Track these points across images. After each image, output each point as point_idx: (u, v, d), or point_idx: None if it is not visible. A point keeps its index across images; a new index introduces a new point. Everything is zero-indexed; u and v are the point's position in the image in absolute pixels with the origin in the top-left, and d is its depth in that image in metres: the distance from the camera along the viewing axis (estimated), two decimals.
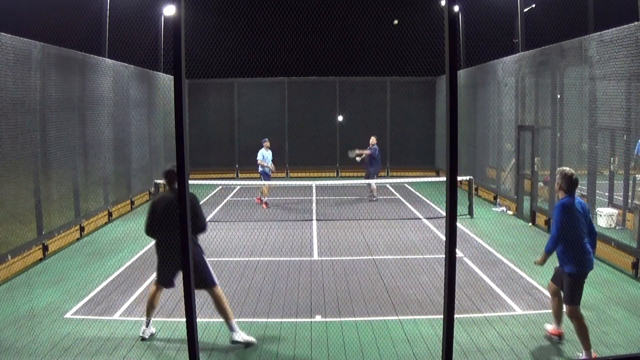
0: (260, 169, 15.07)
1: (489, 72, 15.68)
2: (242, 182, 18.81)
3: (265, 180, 15.04)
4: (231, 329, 6.27)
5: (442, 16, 3.46)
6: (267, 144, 15.08)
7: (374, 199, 16.00)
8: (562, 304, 6.14)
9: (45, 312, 7.24)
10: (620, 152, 9.43)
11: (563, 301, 6.04)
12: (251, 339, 6.28)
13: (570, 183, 5.91)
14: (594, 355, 5.77)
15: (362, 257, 9.88)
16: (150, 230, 6.48)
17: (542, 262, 6.14)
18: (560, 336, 6.23)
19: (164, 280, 6.42)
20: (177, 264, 6.05)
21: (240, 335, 6.25)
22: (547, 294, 7.76)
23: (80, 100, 11.90)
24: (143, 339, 6.39)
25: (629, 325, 6.66)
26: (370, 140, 16.12)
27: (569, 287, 5.90)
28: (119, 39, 15.75)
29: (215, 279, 6.36)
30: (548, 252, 5.99)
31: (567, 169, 6.07)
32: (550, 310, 7.15)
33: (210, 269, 6.37)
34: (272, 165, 15.07)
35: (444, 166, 3.46)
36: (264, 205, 15.04)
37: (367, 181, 16.13)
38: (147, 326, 6.46)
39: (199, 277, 6.09)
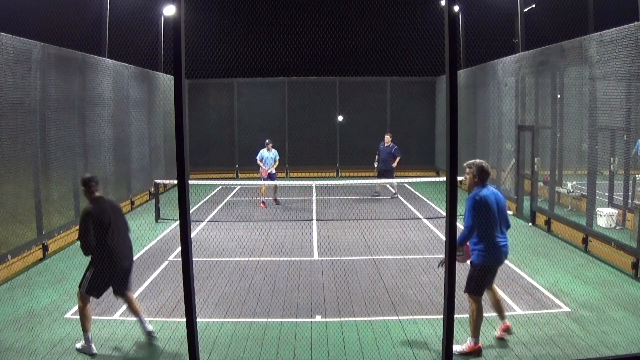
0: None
1: (489, 72, 15.68)
2: (242, 182, 18.81)
3: (267, 179, 15.00)
4: (142, 322, 6.35)
5: (442, 16, 3.46)
6: (269, 145, 15.04)
7: (396, 195, 16.38)
8: (497, 296, 6.29)
9: (45, 312, 7.24)
10: (620, 152, 9.43)
11: (464, 289, 6.06)
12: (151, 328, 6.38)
13: (482, 173, 6.04)
14: (478, 345, 5.95)
15: (362, 257, 9.88)
16: (87, 247, 6.11)
17: (462, 259, 6.06)
18: (508, 330, 6.22)
19: (96, 291, 6.21)
20: (112, 274, 6.18)
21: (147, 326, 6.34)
22: (547, 294, 7.79)
23: (80, 100, 11.90)
24: (80, 350, 6.05)
25: (629, 325, 6.66)
26: (386, 139, 16.22)
27: (470, 276, 6.05)
28: (119, 39, 15.75)
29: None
30: (459, 244, 5.89)
31: (479, 160, 6.19)
32: (547, 311, 7.17)
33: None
34: (269, 167, 14.94)
35: (444, 166, 3.46)
36: (262, 205, 15.05)
37: (390, 180, 16.15)
38: (87, 342, 6.05)
39: (126, 283, 6.35)
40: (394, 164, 16.09)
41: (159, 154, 17.77)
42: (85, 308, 6.14)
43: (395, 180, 16.15)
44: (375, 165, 16.34)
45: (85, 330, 6.07)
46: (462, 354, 5.96)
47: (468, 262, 6.12)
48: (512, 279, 8.52)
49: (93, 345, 6.07)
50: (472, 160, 6.22)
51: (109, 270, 6.16)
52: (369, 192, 16.83)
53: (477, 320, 5.98)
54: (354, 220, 13.20)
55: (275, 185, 15.39)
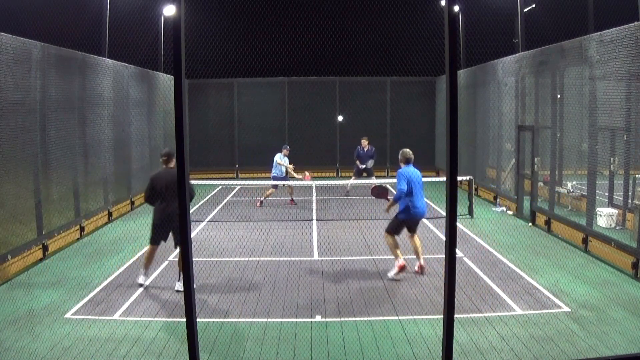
0: (279, 172, 14.84)
1: (489, 72, 15.68)
2: (242, 182, 18.81)
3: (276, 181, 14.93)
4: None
5: (442, 16, 3.46)
6: (285, 151, 14.93)
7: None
8: (415, 243, 8.71)
9: (45, 312, 7.24)
10: (620, 152, 9.42)
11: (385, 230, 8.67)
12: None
13: (406, 158, 8.63)
14: (402, 263, 8.40)
15: (362, 257, 9.88)
16: (150, 199, 8.31)
17: (388, 209, 8.87)
18: (422, 270, 8.64)
19: (157, 240, 8.25)
20: (168, 227, 8.09)
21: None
22: (547, 294, 7.80)
23: (80, 100, 11.89)
24: (140, 285, 8.17)
25: (629, 325, 6.66)
26: (363, 142, 16.25)
27: (390, 222, 8.69)
28: (119, 39, 15.75)
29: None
30: (394, 201, 8.62)
31: (407, 150, 8.76)
32: (547, 311, 7.18)
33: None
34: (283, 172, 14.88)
35: (444, 166, 3.46)
36: (259, 204, 15.12)
37: (375, 181, 16.11)
38: (144, 275, 8.28)
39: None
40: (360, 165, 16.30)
41: (159, 154, 17.74)
42: (150, 253, 8.26)
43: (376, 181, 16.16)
44: (362, 167, 16.32)
45: (145, 267, 8.34)
46: (396, 275, 8.36)
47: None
48: (512, 279, 8.52)
49: (145, 278, 8.37)
50: (401, 150, 8.82)
51: (164, 224, 8.10)
52: (341, 192, 16.92)
53: (392, 248, 8.54)
54: (354, 220, 13.20)
55: (290, 186, 15.36)
